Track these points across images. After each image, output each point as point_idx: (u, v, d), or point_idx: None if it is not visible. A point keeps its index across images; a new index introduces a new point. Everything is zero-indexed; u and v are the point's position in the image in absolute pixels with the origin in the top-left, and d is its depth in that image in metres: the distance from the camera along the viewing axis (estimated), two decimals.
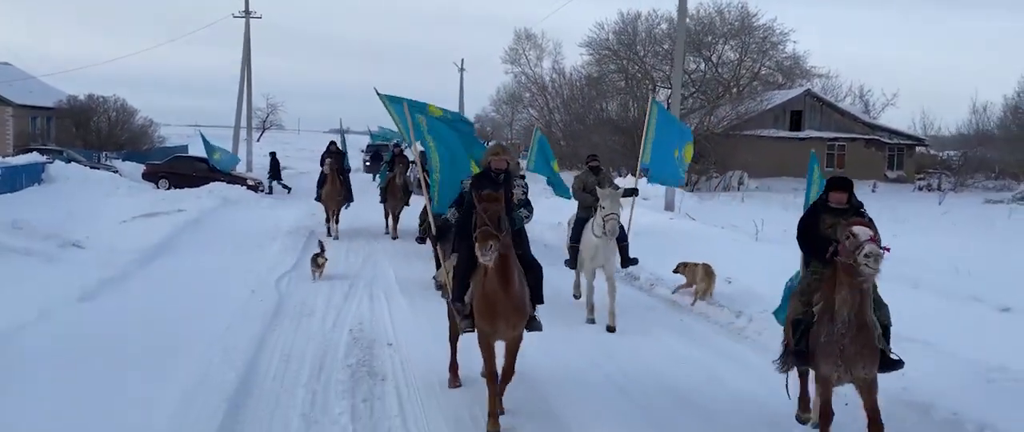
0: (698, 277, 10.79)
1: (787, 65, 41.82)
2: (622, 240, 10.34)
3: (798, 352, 5.79)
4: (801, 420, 6.47)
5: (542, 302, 6.51)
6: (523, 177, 8.14)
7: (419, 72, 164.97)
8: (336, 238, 16.04)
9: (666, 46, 41.72)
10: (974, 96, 61.02)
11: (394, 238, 16.39)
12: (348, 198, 17.32)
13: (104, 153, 31.01)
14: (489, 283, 5.96)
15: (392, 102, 10.36)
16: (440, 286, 7.49)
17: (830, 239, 5.68)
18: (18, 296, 9.37)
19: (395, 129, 14.26)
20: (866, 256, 5.10)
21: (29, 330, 8.18)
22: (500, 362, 6.35)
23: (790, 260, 13.31)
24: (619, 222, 9.72)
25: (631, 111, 40.14)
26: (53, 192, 20.00)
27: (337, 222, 16.82)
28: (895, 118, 55.32)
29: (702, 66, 41.39)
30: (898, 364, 5.63)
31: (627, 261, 10.67)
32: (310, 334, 8.88)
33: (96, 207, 18.29)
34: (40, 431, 5.83)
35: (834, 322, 5.42)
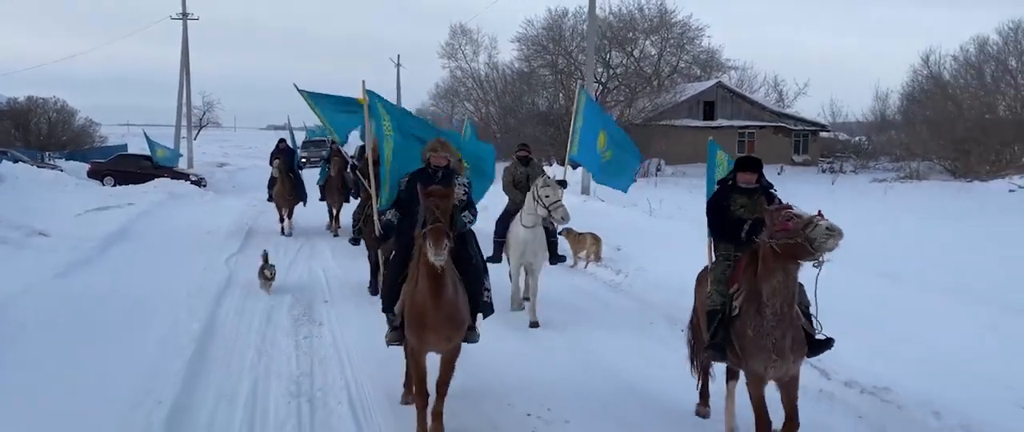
0: (587, 244, 12.85)
1: (703, 58, 44.51)
2: (551, 236, 9.86)
3: (715, 346, 5.45)
4: (700, 414, 6.37)
5: (488, 312, 6.20)
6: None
7: (357, 67, 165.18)
8: (288, 235, 16.23)
9: (587, 43, 44.04)
10: (877, 84, 64.72)
11: (335, 234, 16.54)
12: (300, 197, 17.02)
13: (47, 153, 31.82)
14: (419, 291, 5.44)
15: (315, 98, 11.04)
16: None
17: (744, 219, 5.50)
18: (2, 274, 10.91)
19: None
20: (828, 230, 4.57)
21: (19, 299, 9.70)
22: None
23: (675, 232, 15.65)
24: (565, 207, 9.08)
25: (558, 103, 42.35)
26: (5, 189, 21.04)
27: (289, 218, 16.71)
28: (807, 106, 58.46)
29: (625, 60, 43.74)
30: (828, 343, 5.36)
31: (555, 257, 10.16)
32: (258, 297, 10.64)
33: (49, 202, 19.49)
34: (46, 372, 7.41)
35: (762, 313, 5.03)
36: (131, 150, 35.37)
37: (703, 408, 6.39)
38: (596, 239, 12.88)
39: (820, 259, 4.69)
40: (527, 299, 9.72)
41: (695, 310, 6.24)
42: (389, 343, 6.08)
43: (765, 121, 40.76)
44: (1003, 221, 17.06)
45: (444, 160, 6.23)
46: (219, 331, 8.91)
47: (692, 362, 6.42)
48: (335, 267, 13.05)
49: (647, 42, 44.37)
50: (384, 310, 6.12)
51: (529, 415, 6.40)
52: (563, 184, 9.81)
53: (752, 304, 5.12)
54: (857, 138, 48.87)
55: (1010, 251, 12.19)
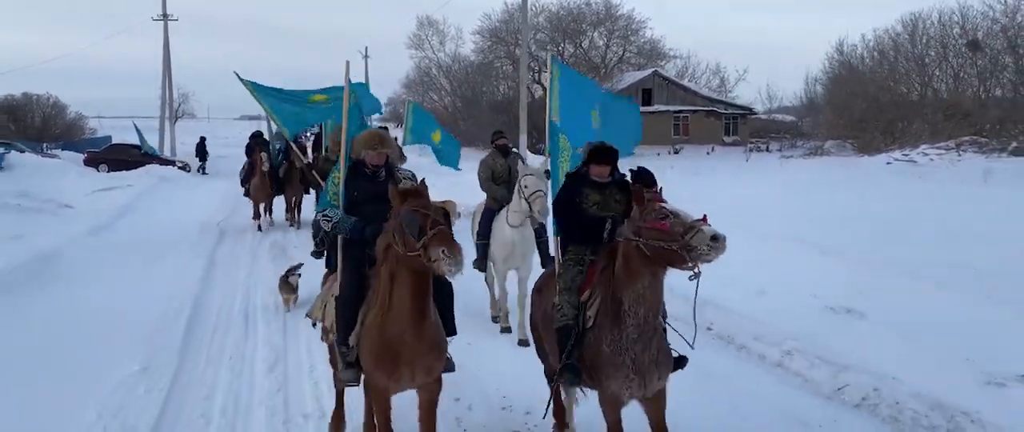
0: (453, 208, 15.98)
1: (647, 49, 48.36)
2: (540, 236, 8.50)
3: (571, 368, 4.69)
4: None
5: (454, 332, 5.10)
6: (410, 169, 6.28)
7: (326, 56, 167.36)
8: (260, 230, 15.95)
9: (542, 35, 47.86)
10: (807, 69, 69.00)
11: (296, 227, 16.49)
12: (279, 191, 16.50)
13: (44, 144, 35.01)
14: (394, 318, 4.49)
15: (258, 90, 11.08)
16: (315, 321, 5.77)
17: (600, 218, 4.91)
18: (50, 232, 14.41)
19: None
20: (713, 240, 3.91)
21: (69, 247, 13.17)
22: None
23: None
24: (547, 202, 7.45)
25: (513, 91, 46.02)
26: (17, 175, 24.36)
27: (269, 213, 16.47)
28: (748, 91, 62.13)
29: (574, 51, 47.48)
30: (681, 362, 4.81)
31: (547, 260, 8.32)
32: (244, 245, 14.28)
33: (59, 185, 22.87)
34: (101, 286, 10.88)
35: (622, 325, 4.42)
36: (115, 141, 38.75)
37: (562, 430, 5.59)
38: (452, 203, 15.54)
39: (696, 270, 4.08)
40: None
41: (535, 324, 5.54)
42: (346, 384, 5.06)
43: (698, 106, 44.76)
44: (855, 186, 21.00)
45: (382, 158, 5.29)
46: (218, 264, 12.54)
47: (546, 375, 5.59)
48: (304, 231, 16.54)
49: (595, 33, 48.21)
50: (339, 342, 5.04)
51: None
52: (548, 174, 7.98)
53: (609, 314, 4.50)
54: (800, 121, 52.95)
55: (813, 205, 16.12)
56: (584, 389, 5.07)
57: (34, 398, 6.27)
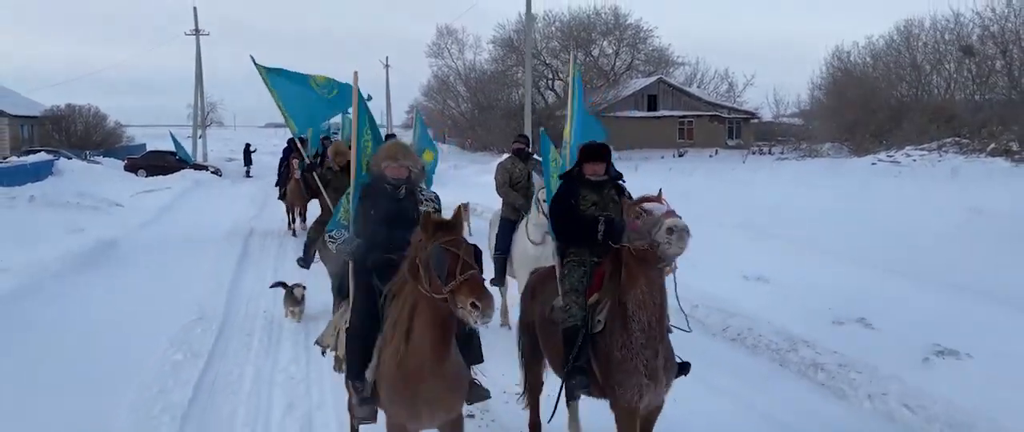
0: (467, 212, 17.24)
1: (655, 57, 50.33)
2: None
3: (579, 369, 4.64)
4: None
5: (482, 359, 4.84)
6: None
7: (349, 64, 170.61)
8: (296, 235, 16.33)
9: (554, 43, 50.00)
10: (811, 74, 70.38)
11: None
12: (312, 195, 15.76)
13: (87, 151, 37.70)
14: (414, 353, 4.18)
15: (276, 81, 10.17)
16: (325, 349, 5.50)
17: (596, 218, 4.84)
18: (107, 225, 16.72)
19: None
20: (668, 231, 4.00)
21: (123, 239, 15.44)
22: None
23: None
24: None
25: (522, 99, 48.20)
26: (67, 180, 26.82)
27: (304, 219, 16.55)
28: (755, 96, 63.34)
29: (584, 59, 49.55)
30: (685, 368, 4.78)
31: None
32: (273, 239, 16.47)
33: (106, 187, 25.31)
34: (154, 271, 13.07)
35: (630, 331, 4.39)
36: (149, 148, 41.56)
37: None
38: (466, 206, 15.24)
39: (670, 265, 4.17)
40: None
41: (526, 325, 5.48)
42: (362, 421, 4.84)
43: (702, 111, 46.67)
44: (825, 183, 22.80)
45: (404, 171, 4.94)
46: (250, 254, 14.74)
47: (525, 383, 5.60)
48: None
49: (604, 42, 50.30)
50: (351, 377, 4.76)
51: None
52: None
53: (618, 319, 4.49)
54: (807, 124, 54.54)
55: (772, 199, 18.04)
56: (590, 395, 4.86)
57: (122, 333, 8.49)
